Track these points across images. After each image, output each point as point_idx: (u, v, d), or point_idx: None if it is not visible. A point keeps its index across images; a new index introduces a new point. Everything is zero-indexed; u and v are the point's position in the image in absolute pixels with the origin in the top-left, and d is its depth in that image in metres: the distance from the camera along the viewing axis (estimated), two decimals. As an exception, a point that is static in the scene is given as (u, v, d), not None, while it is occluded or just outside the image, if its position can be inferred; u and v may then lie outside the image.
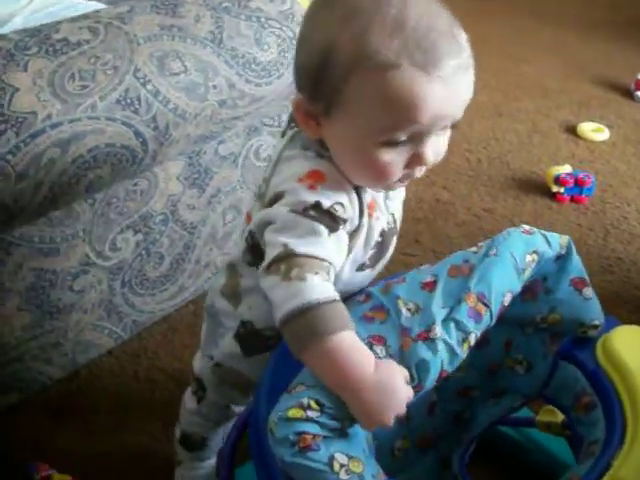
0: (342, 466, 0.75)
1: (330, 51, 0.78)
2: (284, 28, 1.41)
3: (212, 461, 1.26)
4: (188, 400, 1.18)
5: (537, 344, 1.02)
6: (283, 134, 0.95)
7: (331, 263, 0.80)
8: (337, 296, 0.78)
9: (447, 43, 0.78)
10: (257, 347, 1.02)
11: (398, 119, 0.78)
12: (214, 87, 1.29)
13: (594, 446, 0.91)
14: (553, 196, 2.15)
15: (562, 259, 0.97)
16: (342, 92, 0.79)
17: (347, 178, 0.85)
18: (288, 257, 0.78)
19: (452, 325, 0.85)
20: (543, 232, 0.96)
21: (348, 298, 0.92)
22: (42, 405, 1.43)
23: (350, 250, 0.89)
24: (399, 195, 1.00)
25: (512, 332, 1.03)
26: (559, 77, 3.08)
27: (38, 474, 1.25)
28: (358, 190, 0.87)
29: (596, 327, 0.97)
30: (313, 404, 0.78)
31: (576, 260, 0.98)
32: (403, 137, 0.79)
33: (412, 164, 0.83)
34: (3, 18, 1.74)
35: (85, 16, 1.27)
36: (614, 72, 3.11)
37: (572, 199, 2.14)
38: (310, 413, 0.77)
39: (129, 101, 1.19)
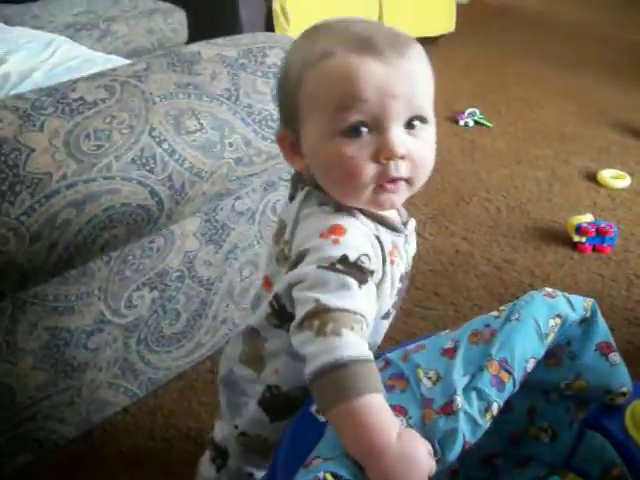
0: None
1: (286, 74, 0.87)
2: (300, 84, 1.41)
3: None
4: (206, 468, 1.15)
5: (562, 411, 0.99)
6: (291, 198, 0.94)
7: (364, 316, 0.78)
8: (371, 356, 0.76)
9: (386, 36, 0.83)
10: (283, 411, 0.98)
11: (342, 97, 0.80)
12: (230, 145, 1.28)
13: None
14: (575, 246, 2.12)
15: (587, 323, 0.94)
16: (299, 101, 0.84)
17: (368, 227, 0.86)
18: (321, 312, 0.76)
19: (474, 395, 0.82)
20: (567, 295, 0.93)
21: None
22: (55, 465, 1.40)
23: (378, 300, 0.87)
24: (414, 239, 0.99)
25: (535, 399, 1.00)
26: (577, 122, 3.07)
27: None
28: (379, 238, 0.87)
29: (624, 394, 0.93)
30: (329, 477, 0.75)
31: (602, 324, 0.94)
32: (358, 118, 0.80)
33: (379, 155, 0.82)
34: (24, 73, 1.76)
35: (102, 74, 1.28)
36: (633, 116, 3.10)
37: (594, 249, 2.11)
38: None
39: (144, 160, 1.18)
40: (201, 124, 1.26)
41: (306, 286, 0.79)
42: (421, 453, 0.74)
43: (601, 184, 2.53)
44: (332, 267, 0.78)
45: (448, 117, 3.09)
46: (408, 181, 0.85)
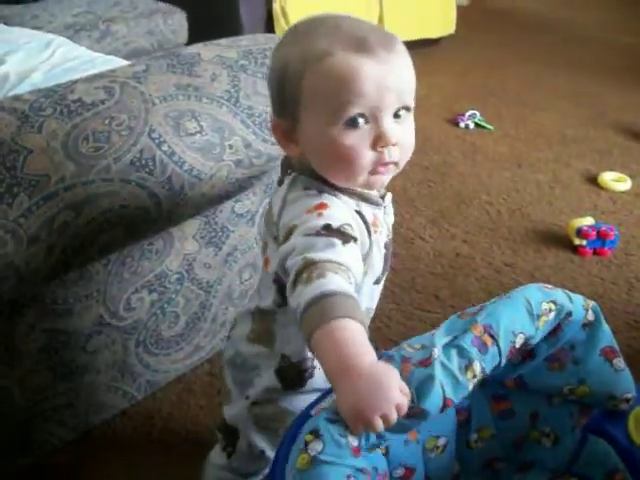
0: None
1: (285, 68, 0.93)
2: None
3: None
4: (216, 457, 1.19)
5: (565, 416, 0.98)
6: (280, 182, 1.02)
7: (348, 268, 0.83)
8: (355, 295, 0.80)
9: (376, 35, 0.91)
10: (295, 380, 1.06)
11: (344, 93, 0.88)
12: (230, 147, 1.28)
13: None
14: (575, 249, 2.11)
15: (591, 327, 0.93)
16: (300, 94, 0.91)
17: (349, 204, 0.95)
18: (309, 266, 0.81)
19: (454, 352, 0.83)
20: (566, 291, 0.93)
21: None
22: (53, 468, 1.39)
23: (369, 267, 0.97)
24: (391, 210, 1.07)
25: (538, 403, 1.00)
26: (578, 125, 3.07)
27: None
28: (360, 213, 0.95)
29: (628, 400, 0.93)
30: (309, 437, 0.76)
31: (606, 328, 0.94)
32: (358, 111, 0.88)
33: (376, 144, 0.91)
34: (24, 73, 1.75)
35: (101, 75, 1.27)
36: (634, 119, 3.10)
37: (595, 252, 2.11)
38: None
39: (144, 162, 1.17)
40: (201, 126, 1.25)
41: (296, 253, 0.85)
42: (393, 382, 0.75)
43: (602, 187, 2.52)
44: (317, 233, 0.86)
45: (449, 119, 3.08)
46: (396, 164, 0.95)
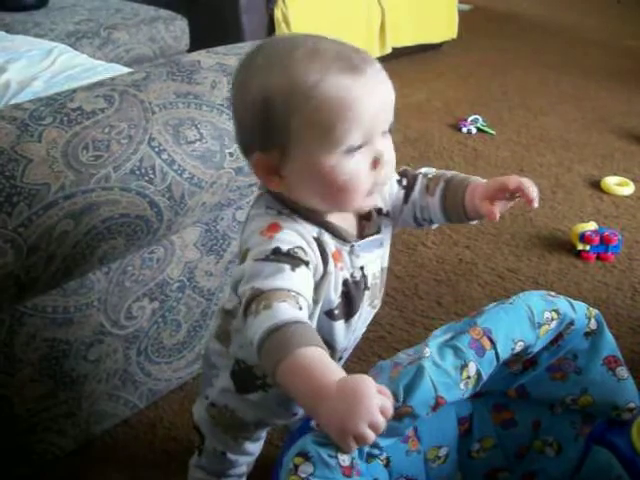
0: None
1: (268, 100, 0.86)
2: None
3: None
4: (194, 456, 1.24)
5: (567, 425, 0.97)
6: None
7: (299, 293, 0.82)
8: (305, 319, 0.80)
9: (356, 53, 0.88)
10: (249, 385, 1.06)
11: (343, 121, 0.84)
12: (230, 155, 1.27)
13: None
14: (578, 254, 2.11)
15: (593, 336, 0.93)
16: (290, 126, 0.85)
17: (307, 229, 0.91)
18: (256, 297, 0.81)
19: (450, 351, 0.82)
20: (569, 299, 0.92)
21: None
22: (54, 479, 1.38)
23: (320, 297, 0.93)
24: (375, 253, 1.02)
25: (540, 412, 0.99)
26: (580, 129, 3.06)
27: None
28: (319, 241, 0.92)
29: (631, 410, 0.92)
30: (298, 460, 0.76)
31: (609, 337, 0.93)
32: (357, 136, 0.85)
33: (374, 165, 0.89)
34: (25, 81, 1.75)
35: (100, 84, 1.26)
36: (636, 123, 3.09)
37: (598, 257, 2.10)
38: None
39: (144, 171, 1.17)
40: (201, 134, 1.25)
41: (245, 280, 0.85)
42: (366, 389, 0.73)
43: (605, 191, 2.51)
44: (266, 258, 0.85)
45: (451, 124, 3.08)
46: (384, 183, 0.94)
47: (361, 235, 0.99)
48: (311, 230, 0.92)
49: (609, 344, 0.93)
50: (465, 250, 2.15)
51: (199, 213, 1.30)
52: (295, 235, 0.89)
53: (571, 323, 0.90)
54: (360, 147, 0.87)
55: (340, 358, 1.07)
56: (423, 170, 1.06)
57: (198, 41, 2.59)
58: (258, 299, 0.81)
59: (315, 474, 0.74)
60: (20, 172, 1.07)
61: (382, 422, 0.72)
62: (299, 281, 0.84)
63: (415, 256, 2.11)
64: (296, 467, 0.75)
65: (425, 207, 1.03)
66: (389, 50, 3.69)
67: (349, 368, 0.84)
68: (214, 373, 1.12)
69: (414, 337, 1.73)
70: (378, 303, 1.07)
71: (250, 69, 0.91)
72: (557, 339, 0.90)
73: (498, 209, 0.95)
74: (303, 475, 0.75)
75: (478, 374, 0.83)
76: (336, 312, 0.98)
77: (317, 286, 0.91)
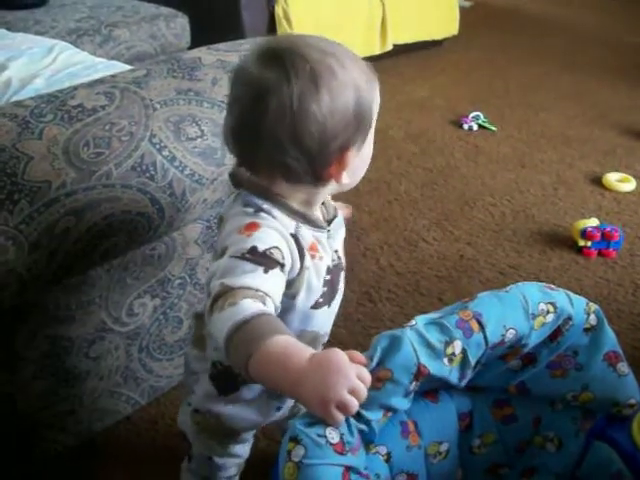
0: None
1: (358, 99, 0.90)
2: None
3: None
4: (185, 460, 1.23)
5: (568, 421, 0.97)
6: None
7: (266, 294, 0.83)
8: (270, 311, 0.81)
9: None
10: (229, 385, 1.06)
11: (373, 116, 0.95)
12: (231, 151, 1.27)
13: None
14: (580, 250, 2.11)
15: (594, 331, 0.93)
16: (373, 117, 0.95)
17: (285, 226, 0.93)
18: (224, 293, 0.82)
19: (436, 327, 0.83)
20: (568, 293, 0.92)
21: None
22: (56, 475, 1.39)
23: (306, 290, 0.95)
24: (340, 233, 1.06)
25: (541, 409, 0.99)
26: (582, 125, 3.06)
27: None
28: (296, 237, 0.94)
29: (632, 406, 0.92)
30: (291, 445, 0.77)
31: (609, 332, 0.93)
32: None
33: None
34: (26, 79, 1.75)
35: (101, 81, 1.27)
36: (637, 119, 3.09)
37: (600, 253, 2.10)
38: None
39: (145, 168, 1.17)
40: (202, 130, 1.25)
41: (217, 276, 0.86)
42: (338, 358, 0.74)
43: (606, 187, 2.51)
44: (242, 256, 0.86)
45: (452, 121, 3.08)
46: None
47: (325, 220, 1.02)
48: (289, 226, 0.94)
49: (610, 340, 0.92)
50: (466, 246, 2.15)
51: (200, 210, 1.30)
52: (273, 234, 0.91)
53: (569, 318, 0.90)
54: None
55: (324, 343, 1.09)
56: None
57: (199, 38, 2.59)
58: (225, 295, 0.81)
59: (307, 455, 0.75)
60: (21, 169, 1.07)
61: (361, 387, 0.73)
62: (271, 283, 0.85)
63: (416, 252, 2.11)
64: (289, 453, 0.76)
65: None
66: (390, 47, 3.68)
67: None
68: (194, 379, 1.12)
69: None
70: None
71: (334, 76, 0.89)
72: (556, 335, 0.90)
73: None
74: (296, 459, 0.75)
75: (464, 354, 0.83)
76: (321, 300, 1.00)
77: (293, 281, 0.94)
